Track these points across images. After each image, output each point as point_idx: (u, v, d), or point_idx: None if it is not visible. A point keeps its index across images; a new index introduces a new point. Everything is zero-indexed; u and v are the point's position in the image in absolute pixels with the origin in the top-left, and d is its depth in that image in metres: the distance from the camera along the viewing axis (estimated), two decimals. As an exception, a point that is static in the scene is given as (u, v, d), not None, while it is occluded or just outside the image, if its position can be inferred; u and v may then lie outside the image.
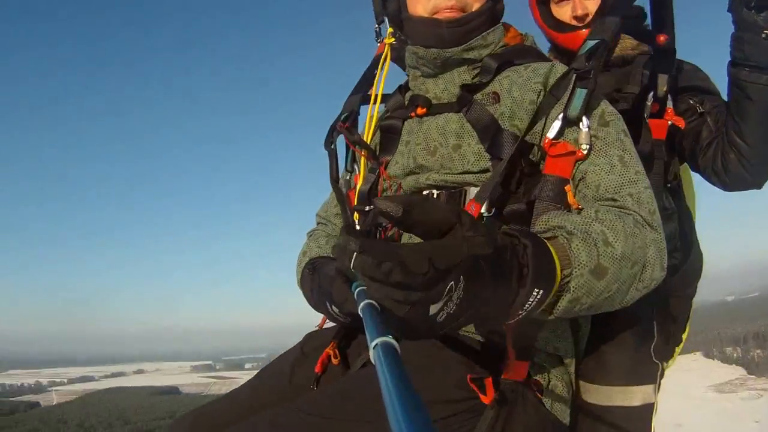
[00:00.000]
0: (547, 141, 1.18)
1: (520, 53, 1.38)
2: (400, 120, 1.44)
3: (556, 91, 1.22)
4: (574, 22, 1.69)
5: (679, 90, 1.68)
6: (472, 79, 1.35)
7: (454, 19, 1.32)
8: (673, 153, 1.66)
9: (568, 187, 1.13)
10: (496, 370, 1.11)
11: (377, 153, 1.47)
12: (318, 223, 1.63)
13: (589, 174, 1.14)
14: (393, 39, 1.48)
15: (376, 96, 1.49)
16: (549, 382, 1.22)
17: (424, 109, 1.38)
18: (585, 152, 1.15)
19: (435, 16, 1.33)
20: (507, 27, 1.44)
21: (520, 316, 0.87)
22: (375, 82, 1.51)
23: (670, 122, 1.55)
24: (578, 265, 0.92)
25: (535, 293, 0.85)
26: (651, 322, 1.50)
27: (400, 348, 0.51)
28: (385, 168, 1.41)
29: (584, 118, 1.16)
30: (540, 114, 1.22)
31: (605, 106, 1.24)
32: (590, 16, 1.65)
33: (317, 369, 1.30)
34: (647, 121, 1.52)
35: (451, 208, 0.75)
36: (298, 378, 1.33)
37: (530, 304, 0.85)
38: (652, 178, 1.26)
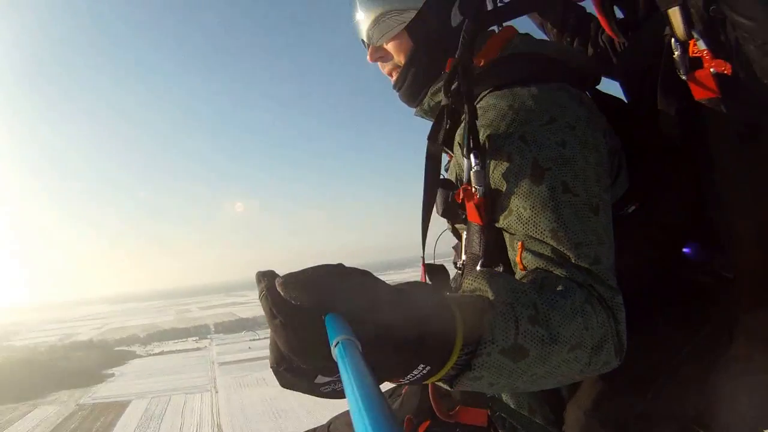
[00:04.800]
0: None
1: (484, 76, 1.17)
2: None
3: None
4: None
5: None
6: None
7: (394, 82, 1.37)
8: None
9: (519, 245, 1.01)
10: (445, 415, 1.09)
11: None
12: None
13: (531, 241, 1.01)
14: None
15: None
16: None
17: None
18: (480, 196, 1.03)
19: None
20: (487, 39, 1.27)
21: (403, 383, 0.80)
22: None
23: (712, 70, 1.03)
24: (486, 343, 0.80)
25: (420, 367, 0.76)
26: None
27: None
28: None
29: (472, 156, 1.04)
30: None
31: (543, 146, 1.02)
32: None
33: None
34: (681, 79, 1.07)
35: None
36: None
37: (414, 376, 0.77)
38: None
